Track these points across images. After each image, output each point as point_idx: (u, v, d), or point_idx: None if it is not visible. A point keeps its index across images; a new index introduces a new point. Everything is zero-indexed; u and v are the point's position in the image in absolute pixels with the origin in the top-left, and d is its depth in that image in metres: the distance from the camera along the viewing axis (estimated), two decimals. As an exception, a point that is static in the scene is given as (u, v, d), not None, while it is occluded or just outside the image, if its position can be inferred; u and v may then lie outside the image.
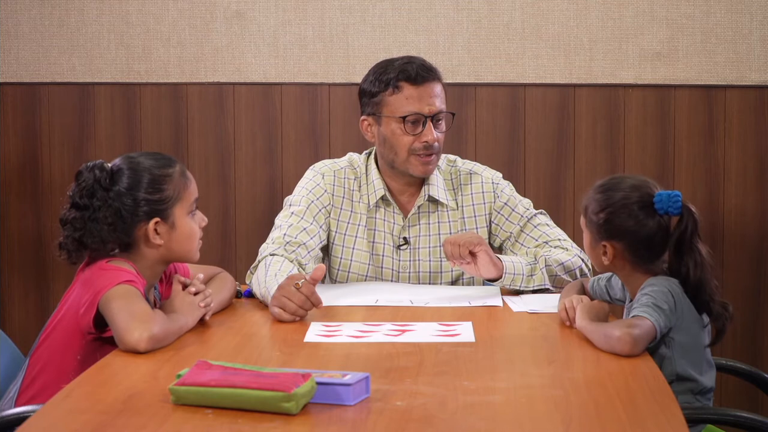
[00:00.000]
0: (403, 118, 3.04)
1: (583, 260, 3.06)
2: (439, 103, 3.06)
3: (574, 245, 3.10)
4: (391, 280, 3.13)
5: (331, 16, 4.20)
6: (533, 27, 4.16)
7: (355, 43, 4.16)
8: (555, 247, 3.08)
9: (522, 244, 3.13)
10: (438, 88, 3.07)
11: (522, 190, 4.11)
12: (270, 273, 2.84)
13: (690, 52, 4.14)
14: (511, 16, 4.16)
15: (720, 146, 4.16)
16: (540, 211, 3.19)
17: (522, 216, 3.15)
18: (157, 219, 2.58)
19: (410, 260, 3.14)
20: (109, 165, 2.61)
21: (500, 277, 2.96)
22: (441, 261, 3.13)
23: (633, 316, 2.39)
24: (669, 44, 4.14)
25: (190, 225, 2.64)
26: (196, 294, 2.60)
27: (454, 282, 3.15)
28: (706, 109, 4.16)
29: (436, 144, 3.05)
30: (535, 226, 3.13)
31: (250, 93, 4.25)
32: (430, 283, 3.13)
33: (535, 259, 3.02)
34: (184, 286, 2.63)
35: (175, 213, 2.61)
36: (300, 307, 2.66)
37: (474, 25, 4.17)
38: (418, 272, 3.14)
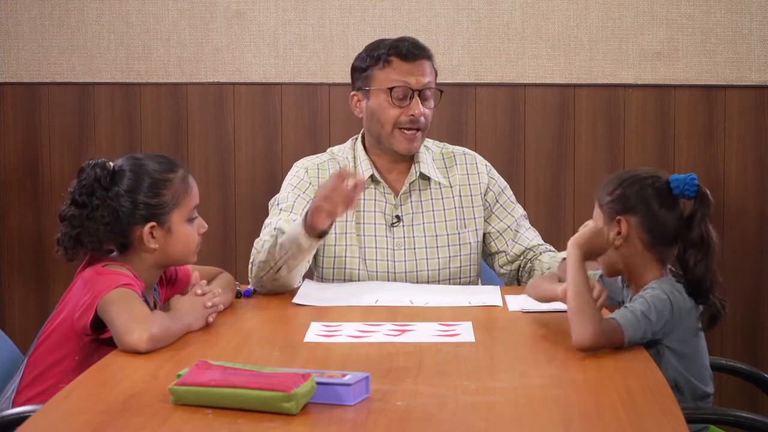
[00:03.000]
0: (391, 89, 3.07)
1: None
2: (428, 78, 3.09)
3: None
4: (386, 259, 3.13)
5: (331, 16, 4.20)
6: (533, 27, 4.16)
7: (355, 43, 4.15)
8: (547, 251, 3.15)
9: (523, 237, 3.17)
10: (428, 67, 3.10)
11: (522, 190, 4.12)
12: (281, 238, 2.89)
13: (690, 52, 4.14)
14: (511, 16, 4.16)
15: (720, 146, 4.16)
16: (524, 213, 3.25)
17: (517, 213, 3.21)
18: (153, 223, 2.57)
19: (404, 237, 3.13)
20: (111, 164, 2.61)
21: None
22: (436, 236, 3.14)
23: (611, 318, 2.38)
24: (669, 44, 4.14)
25: (187, 231, 2.62)
26: (203, 295, 2.59)
27: (450, 258, 3.15)
28: (706, 109, 4.16)
29: (422, 119, 3.08)
30: (527, 229, 3.20)
31: (250, 93, 4.25)
32: (426, 259, 3.14)
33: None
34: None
35: (172, 218, 2.60)
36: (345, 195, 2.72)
37: (474, 25, 4.17)
38: (414, 248, 3.13)
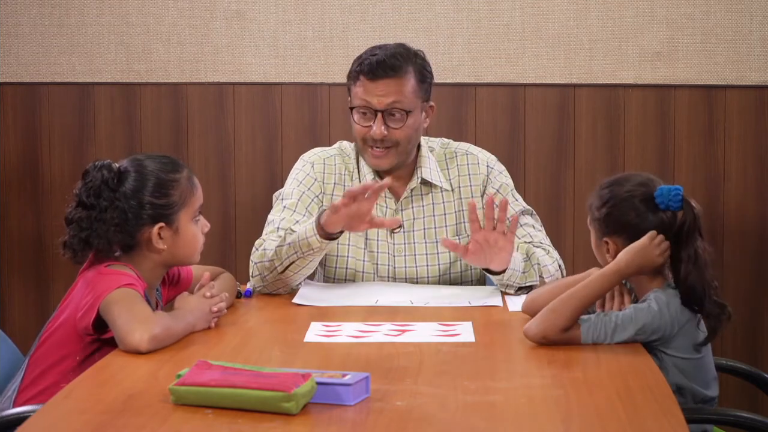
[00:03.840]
0: (353, 108, 3.06)
1: (560, 268, 3.04)
2: (393, 98, 3.01)
3: (555, 252, 3.08)
4: (387, 264, 3.12)
5: (331, 16, 4.20)
6: (533, 27, 4.16)
7: (355, 43, 4.16)
8: (537, 248, 3.04)
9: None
10: (396, 84, 3.01)
11: (522, 190, 4.11)
12: (289, 237, 2.88)
13: (690, 52, 4.14)
14: (511, 16, 4.16)
15: (720, 146, 4.16)
16: (528, 209, 3.16)
17: (512, 209, 3.12)
18: (161, 224, 2.57)
19: (405, 243, 3.12)
20: (117, 165, 2.61)
21: (504, 271, 2.93)
22: (436, 242, 3.12)
23: (581, 320, 2.39)
24: (669, 44, 4.14)
25: (193, 231, 2.63)
26: (211, 297, 2.59)
27: (450, 264, 3.13)
28: (706, 109, 4.16)
29: (389, 139, 3.03)
30: (521, 225, 3.10)
31: (250, 93, 4.25)
32: (426, 265, 3.13)
33: (527, 256, 2.99)
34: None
35: (180, 218, 2.60)
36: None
37: (474, 25, 4.17)
38: (414, 255, 3.12)
